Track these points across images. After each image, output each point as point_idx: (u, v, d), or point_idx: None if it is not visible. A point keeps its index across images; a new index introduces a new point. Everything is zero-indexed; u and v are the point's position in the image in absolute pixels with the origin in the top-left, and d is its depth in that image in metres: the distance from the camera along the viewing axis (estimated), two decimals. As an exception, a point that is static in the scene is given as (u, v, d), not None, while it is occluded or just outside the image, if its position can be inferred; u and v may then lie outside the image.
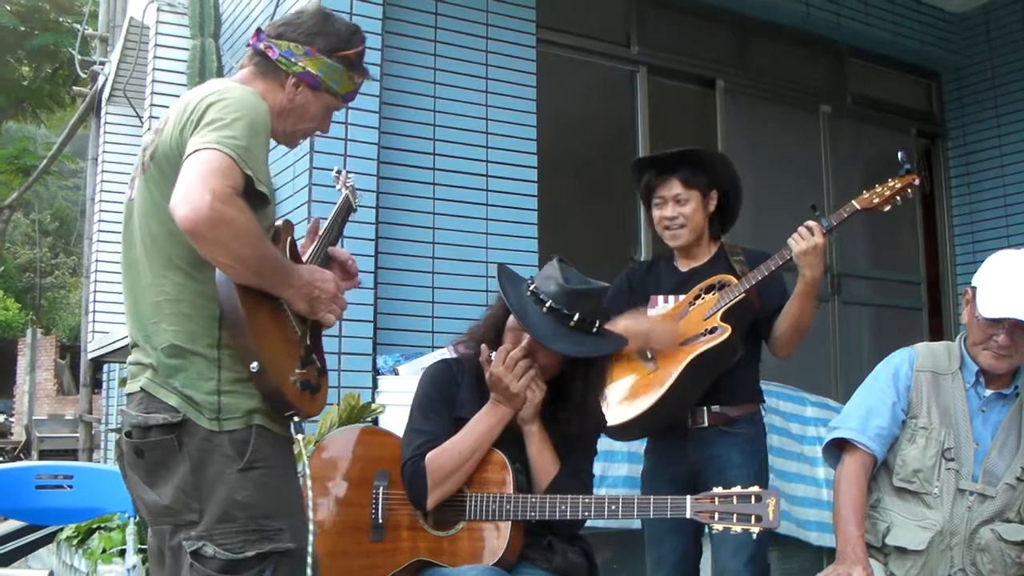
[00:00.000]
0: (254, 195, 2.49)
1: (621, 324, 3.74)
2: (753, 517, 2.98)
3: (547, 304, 3.22)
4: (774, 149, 8.19)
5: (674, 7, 7.75)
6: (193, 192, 2.33)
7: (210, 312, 2.56)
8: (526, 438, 3.33)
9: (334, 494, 3.33)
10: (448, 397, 3.42)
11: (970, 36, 8.94)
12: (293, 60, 2.80)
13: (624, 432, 3.99)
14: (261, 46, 2.83)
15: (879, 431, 3.47)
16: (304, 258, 2.93)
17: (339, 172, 3.43)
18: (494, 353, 3.31)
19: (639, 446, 4.31)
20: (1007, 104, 8.62)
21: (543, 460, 3.32)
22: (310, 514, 2.61)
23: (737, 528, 3.00)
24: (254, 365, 2.48)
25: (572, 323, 3.22)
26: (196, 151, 2.42)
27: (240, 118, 2.51)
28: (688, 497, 3.08)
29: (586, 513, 3.19)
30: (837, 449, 3.58)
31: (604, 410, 3.57)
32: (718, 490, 3.06)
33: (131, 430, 2.63)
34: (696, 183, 4.10)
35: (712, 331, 3.82)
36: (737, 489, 3.03)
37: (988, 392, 3.46)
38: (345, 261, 3.09)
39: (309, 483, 2.75)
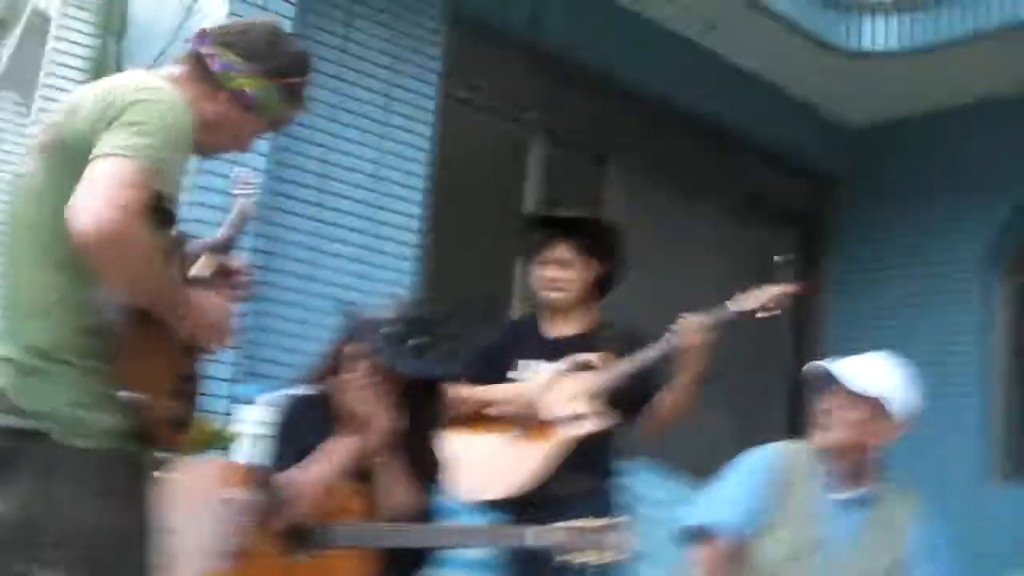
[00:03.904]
0: (159, 212, 2.30)
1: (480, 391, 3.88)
2: (605, 546, 3.06)
3: (388, 329, 3.33)
4: (661, 233, 8.28)
5: (579, 79, 7.82)
6: (97, 203, 2.15)
7: (85, 320, 2.34)
8: (376, 468, 3.35)
9: (181, 524, 3.23)
10: (294, 428, 3.44)
11: (865, 150, 9.21)
12: (233, 75, 2.60)
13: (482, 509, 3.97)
14: (203, 50, 2.62)
15: (736, 523, 3.49)
16: (194, 271, 2.73)
17: (240, 173, 3.25)
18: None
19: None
20: (890, 219, 8.88)
21: (394, 490, 3.33)
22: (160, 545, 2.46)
23: (589, 558, 3.05)
24: (122, 394, 2.30)
25: (412, 346, 3.31)
26: (108, 154, 2.23)
27: (163, 127, 2.32)
28: (530, 529, 3.16)
29: (437, 540, 3.29)
30: (691, 537, 3.59)
31: (464, 484, 3.63)
32: (567, 523, 3.12)
33: None
34: (584, 250, 4.08)
35: (580, 416, 3.83)
36: (588, 520, 3.11)
37: (843, 495, 3.50)
38: (241, 269, 2.90)
39: (164, 514, 2.62)
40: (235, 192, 3.19)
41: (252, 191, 3.18)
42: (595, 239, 4.13)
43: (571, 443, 3.81)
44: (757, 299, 3.92)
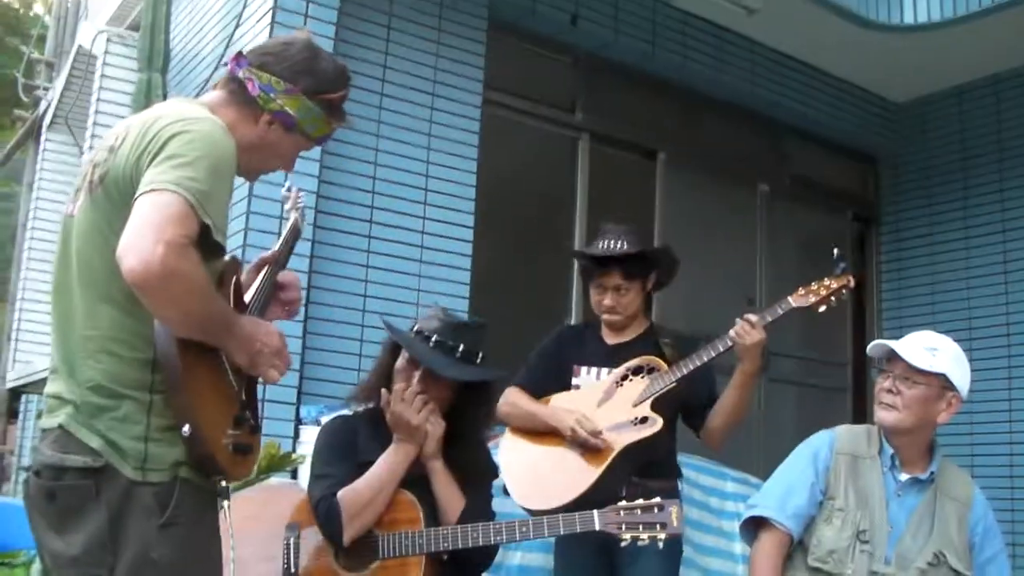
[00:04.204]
0: (209, 243, 2.31)
1: (553, 414, 3.94)
2: (658, 525, 3.17)
3: (433, 339, 3.43)
4: (711, 223, 8.28)
5: (620, 77, 7.83)
6: (144, 242, 2.15)
7: (145, 354, 2.35)
8: (431, 475, 3.43)
9: (246, 551, 3.28)
10: (348, 444, 3.50)
11: (908, 125, 9.14)
12: (272, 96, 2.60)
13: (542, 514, 3.99)
14: (240, 74, 2.62)
15: (796, 510, 3.50)
16: (248, 294, 2.76)
17: (290, 189, 3.32)
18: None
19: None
20: (939, 193, 8.81)
21: (449, 494, 3.41)
22: (232, 567, 2.48)
23: (644, 536, 3.16)
24: (186, 429, 2.29)
25: (458, 354, 3.43)
26: (152, 190, 2.23)
27: (204, 157, 2.31)
28: (595, 511, 3.25)
29: (498, 538, 3.29)
30: (754, 527, 3.60)
31: (529, 493, 3.73)
32: (623, 503, 3.24)
33: (42, 469, 2.40)
34: (636, 274, 4.12)
35: (643, 420, 3.84)
36: (640, 501, 3.22)
37: (905, 476, 3.51)
38: (292, 284, 2.95)
39: (232, 542, 2.63)
40: (285, 208, 3.24)
41: (302, 207, 3.22)
42: (645, 262, 4.16)
43: (633, 447, 3.82)
44: (817, 294, 3.91)
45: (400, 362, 3.52)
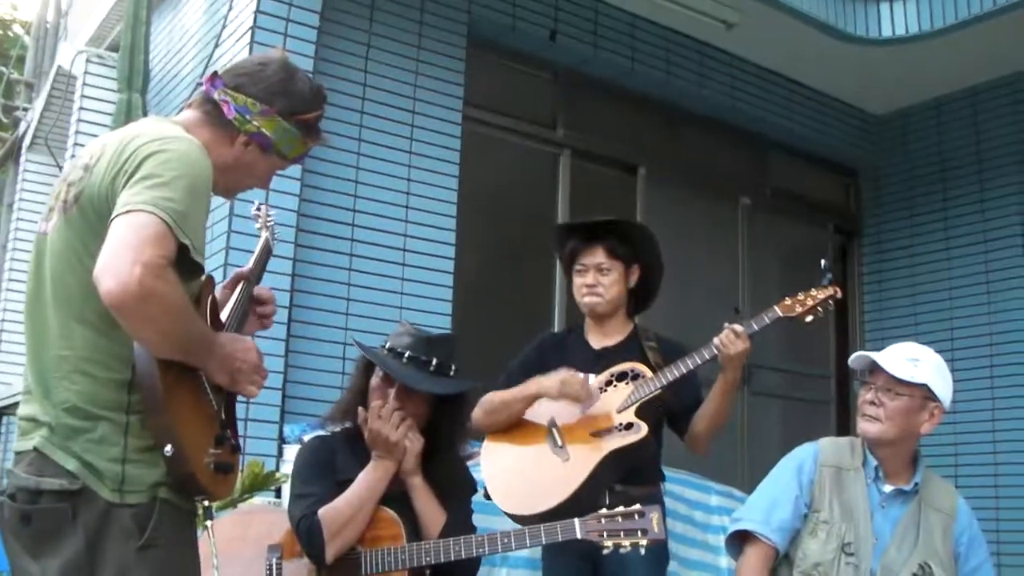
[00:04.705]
0: (186, 263, 2.31)
1: (535, 381, 3.88)
2: (639, 531, 3.17)
3: (406, 355, 3.46)
4: (693, 238, 8.29)
5: (600, 92, 7.85)
6: (121, 263, 2.14)
7: (121, 375, 2.34)
8: (411, 491, 3.45)
9: (230, 572, 3.26)
10: (327, 463, 3.52)
11: (888, 138, 9.19)
12: (248, 118, 2.59)
13: (530, 520, 3.97)
14: (216, 95, 2.60)
15: (781, 524, 3.50)
16: (225, 311, 2.76)
17: (260, 207, 3.33)
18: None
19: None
20: (920, 205, 8.85)
21: (430, 509, 3.44)
22: None
23: (626, 543, 3.16)
24: (168, 449, 2.27)
25: (431, 367, 3.46)
26: (128, 211, 2.22)
27: (181, 177, 2.30)
28: (576, 520, 3.24)
29: (480, 550, 3.29)
30: (739, 540, 3.60)
31: (512, 498, 3.70)
32: (603, 511, 3.25)
33: (17, 493, 2.38)
34: (620, 254, 4.12)
35: (628, 426, 3.83)
36: (621, 508, 3.23)
37: (888, 488, 3.51)
38: (267, 298, 2.96)
39: (214, 558, 2.65)
40: (256, 227, 3.25)
41: (271, 224, 3.24)
42: (629, 243, 4.16)
43: (617, 453, 3.81)
44: (804, 304, 3.92)
45: (375, 380, 3.54)
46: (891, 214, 9.10)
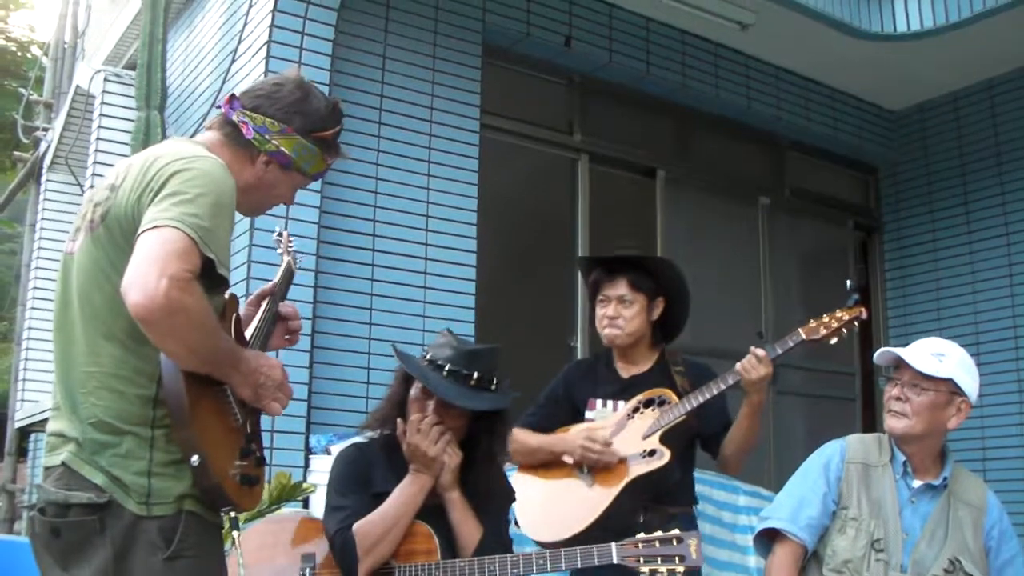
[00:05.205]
0: (212, 277, 2.35)
1: (561, 440, 3.93)
2: (677, 557, 3.09)
3: (446, 368, 3.36)
4: (713, 239, 8.31)
5: (617, 97, 7.86)
6: (148, 277, 2.19)
7: (147, 390, 2.39)
8: (448, 506, 3.38)
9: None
10: (362, 475, 3.45)
11: (906, 134, 9.17)
12: (267, 138, 2.65)
13: (557, 547, 3.98)
14: (234, 117, 2.66)
15: (810, 521, 3.49)
16: (250, 329, 2.81)
17: (281, 234, 3.38)
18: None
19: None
20: (940, 200, 8.83)
21: (467, 526, 3.36)
22: None
23: (663, 569, 3.09)
24: (195, 459, 2.31)
25: (472, 382, 3.36)
26: (154, 227, 2.27)
27: (205, 194, 2.36)
28: (614, 544, 3.17)
29: (515, 570, 3.22)
30: (768, 539, 3.60)
31: (540, 526, 3.69)
32: (641, 535, 3.16)
33: (47, 507, 2.44)
34: (643, 287, 4.09)
35: (651, 453, 3.83)
36: (659, 533, 3.14)
37: (917, 483, 3.50)
38: (292, 315, 3.01)
39: (241, 568, 2.65)
40: (278, 252, 3.29)
41: (293, 250, 3.28)
42: (651, 275, 4.13)
43: (641, 479, 3.83)
44: (828, 326, 3.90)
45: (414, 391, 3.46)
46: (911, 210, 9.08)
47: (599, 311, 4.16)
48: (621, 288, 4.09)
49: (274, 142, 2.66)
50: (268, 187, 2.73)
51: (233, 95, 2.72)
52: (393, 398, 3.55)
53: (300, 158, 2.71)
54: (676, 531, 3.14)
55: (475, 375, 3.37)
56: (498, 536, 3.43)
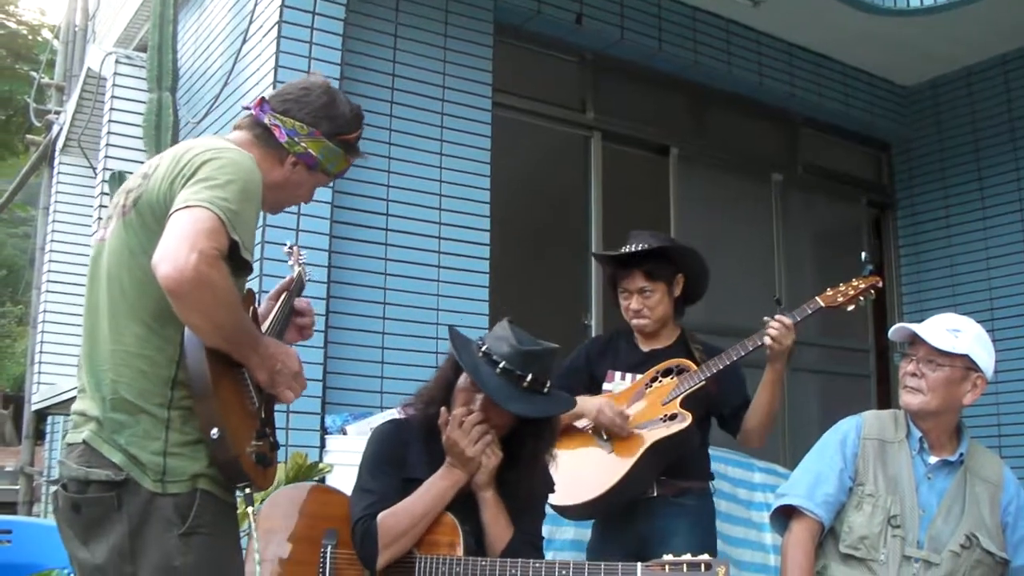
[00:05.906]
0: (236, 261, 2.46)
1: (579, 401, 3.80)
2: None
3: (500, 365, 3.22)
4: (726, 216, 8.30)
5: (629, 74, 7.84)
6: (179, 251, 2.30)
7: (167, 371, 2.50)
8: (481, 504, 3.30)
9: (280, 552, 3.26)
10: (397, 457, 3.37)
11: (919, 109, 9.14)
12: (297, 140, 2.81)
13: (575, 512, 3.98)
14: (266, 120, 2.81)
15: (826, 498, 3.49)
16: (264, 325, 2.89)
17: (292, 247, 3.45)
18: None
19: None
20: (954, 176, 8.80)
21: (497, 526, 3.28)
22: (257, 569, 2.58)
23: None
24: (215, 432, 2.40)
25: (525, 383, 3.22)
26: (186, 207, 2.39)
27: (234, 181, 2.49)
28: (639, 564, 3.03)
29: None
30: (784, 516, 3.60)
31: (557, 489, 3.55)
32: (668, 557, 3.00)
33: (68, 483, 2.55)
34: (660, 275, 4.10)
35: (672, 417, 3.84)
36: (687, 557, 2.97)
37: (934, 459, 3.50)
38: (306, 310, 3.11)
39: (256, 542, 2.71)
40: (289, 264, 3.35)
41: (303, 262, 3.38)
42: (669, 261, 4.14)
43: (662, 443, 3.82)
44: (845, 294, 3.91)
45: (463, 380, 3.34)
46: (925, 186, 9.05)
47: (622, 303, 4.18)
48: (639, 281, 4.10)
49: (303, 144, 2.83)
50: (294, 186, 2.90)
51: (263, 98, 2.87)
52: (441, 380, 3.43)
53: (326, 159, 2.88)
54: (706, 556, 2.97)
55: (529, 377, 3.23)
56: (529, 539, 3.34)
